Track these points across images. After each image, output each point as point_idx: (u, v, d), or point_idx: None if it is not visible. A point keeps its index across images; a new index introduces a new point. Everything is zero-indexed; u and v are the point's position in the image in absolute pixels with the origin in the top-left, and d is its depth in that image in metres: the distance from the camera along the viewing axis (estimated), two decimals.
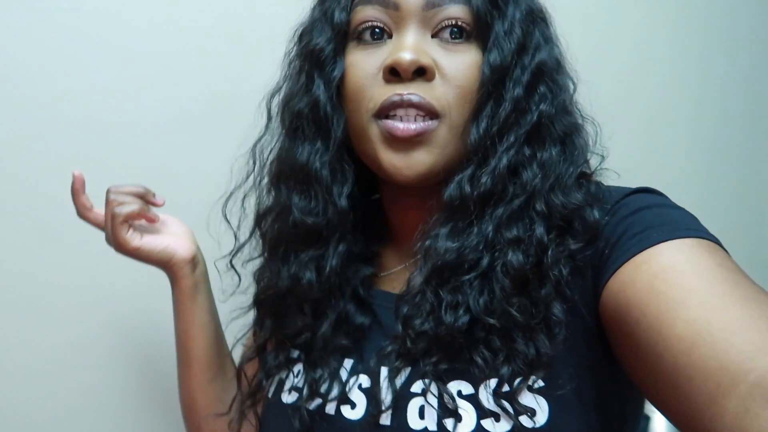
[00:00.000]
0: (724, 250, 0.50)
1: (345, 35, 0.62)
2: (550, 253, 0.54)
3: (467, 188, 0.56)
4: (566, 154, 0.58)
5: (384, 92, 0.57)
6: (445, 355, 0.54)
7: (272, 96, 0.68)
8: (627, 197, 0.55)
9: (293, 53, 0.66)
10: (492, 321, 0.53)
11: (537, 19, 0.61)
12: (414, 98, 0.56)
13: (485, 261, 0.55)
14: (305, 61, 0.64)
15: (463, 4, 0.58)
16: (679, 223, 0.50)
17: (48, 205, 0.85)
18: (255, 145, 0.69)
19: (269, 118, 0.68)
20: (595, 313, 0.52)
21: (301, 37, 0.66)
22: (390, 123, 0.57)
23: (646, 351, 0.44)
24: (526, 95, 0.57)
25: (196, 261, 0.75)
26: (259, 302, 0.68)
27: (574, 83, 0.63)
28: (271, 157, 0.67)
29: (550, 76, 0.60)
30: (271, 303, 0.66)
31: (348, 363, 0.62)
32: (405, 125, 0.56)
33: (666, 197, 0.56)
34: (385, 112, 0.58)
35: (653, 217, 0.51)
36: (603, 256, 0.52)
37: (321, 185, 0.62)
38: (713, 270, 0.45)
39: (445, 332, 0.54)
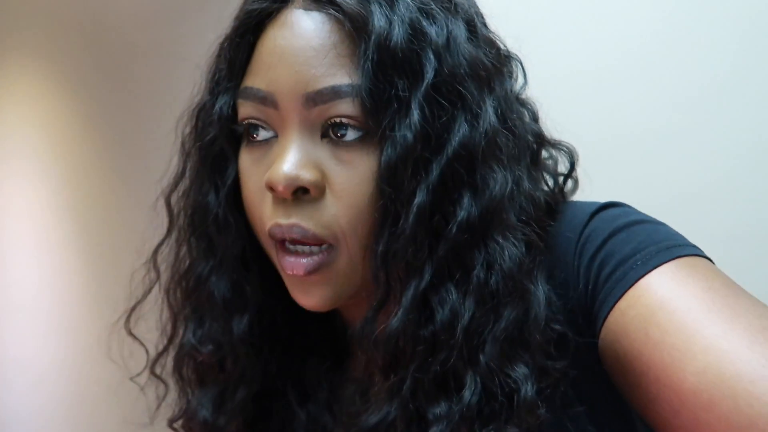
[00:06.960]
0: (705, 257, 0.46)
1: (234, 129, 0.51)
2: None
3: (369, 331, 0.47)
4: (503, 280, 0.45)
5: (271, 216, 0.48)
6: None
7: (171, 192, 0.58)
8: (587, 225, 0.48)
9: (190, 137, 0.55)
10: None
11: (464, 78, 0.46)
12: (295, 232, 0.47)
13: None
14: (197, 152, 0.54)
15: (353, 96, 0.45)
16: (649, 247, 0.45)
17: None
18: (156, 251, 0.60)
19: (171, 219, 0.59)
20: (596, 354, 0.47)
21: (197, 116, 0.55)
22: (281, 257, 0.48)
23: (659, 404, 0.42)
24: (433, 203, 0.44)
25: None
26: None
27: (514, 173, 0.47)
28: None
29: (474, 165, 0.45)
30: None
31: None
32: (295, 261, 0.47)
33: (627, 207, 0.50)
34: (276, 239, 0.49)
35: (623, 246, 0.46)
36: (586, 302, 0.47)
37: (215, 310, 0.55)
38: (703, 299, 0.42)
39: None
